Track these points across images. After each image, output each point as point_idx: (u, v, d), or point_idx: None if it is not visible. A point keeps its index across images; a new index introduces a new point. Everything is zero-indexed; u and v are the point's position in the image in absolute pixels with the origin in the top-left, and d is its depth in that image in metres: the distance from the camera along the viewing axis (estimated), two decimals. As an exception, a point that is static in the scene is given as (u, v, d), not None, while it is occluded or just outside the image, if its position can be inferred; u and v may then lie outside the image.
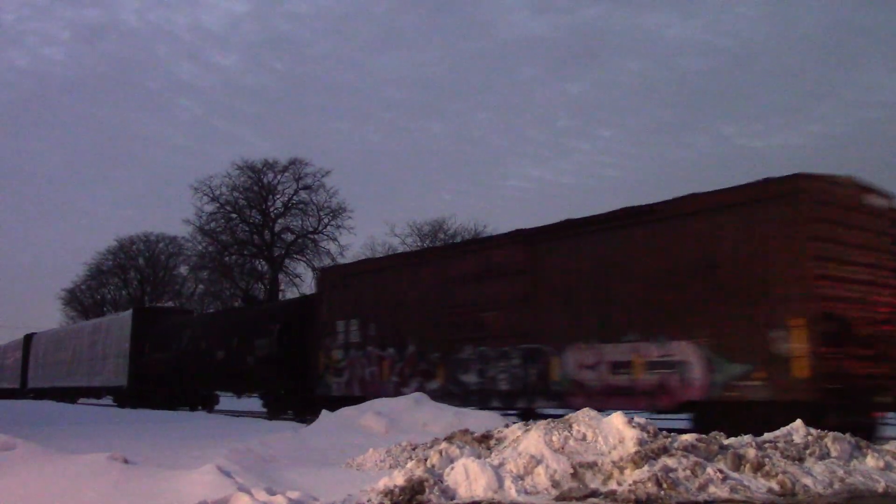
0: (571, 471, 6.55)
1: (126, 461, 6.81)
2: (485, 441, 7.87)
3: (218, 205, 47.39)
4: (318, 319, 18.53)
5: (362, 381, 16.80)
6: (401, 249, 47.59)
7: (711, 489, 6.37)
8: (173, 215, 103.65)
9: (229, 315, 27.47)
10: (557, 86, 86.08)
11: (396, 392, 14.67)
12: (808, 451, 7.35)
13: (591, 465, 6.68)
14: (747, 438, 7.58)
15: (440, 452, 7.23)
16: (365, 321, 17.08)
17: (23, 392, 41.40)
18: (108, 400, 32.77)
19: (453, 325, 15.03)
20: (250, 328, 21.94)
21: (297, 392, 19.55)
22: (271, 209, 48.57)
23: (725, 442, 7.42)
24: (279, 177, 47.98)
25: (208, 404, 25.88)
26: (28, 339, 43.18)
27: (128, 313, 31.20)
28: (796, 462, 7.07)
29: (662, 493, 6.16)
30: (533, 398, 13.43)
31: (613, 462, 6.70)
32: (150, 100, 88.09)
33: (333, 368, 17.71)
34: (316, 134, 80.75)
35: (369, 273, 18.00)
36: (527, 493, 6.29)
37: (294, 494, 5.82)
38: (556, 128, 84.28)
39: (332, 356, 17.85)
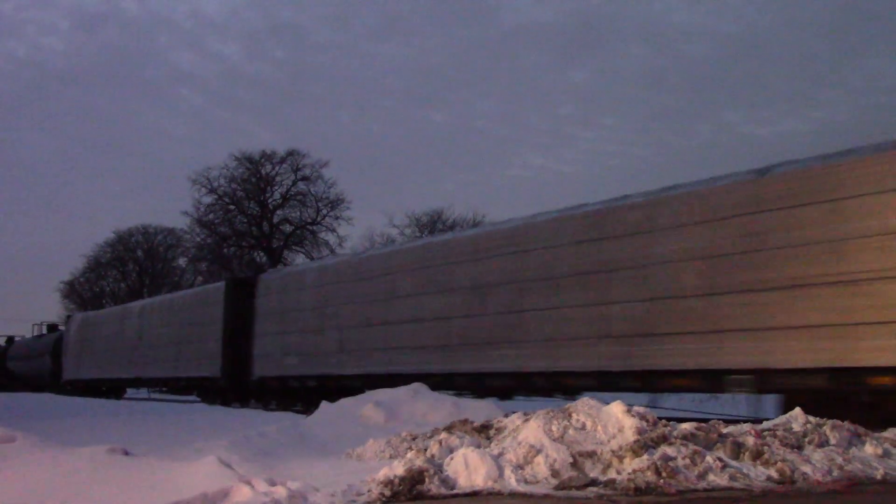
0: (571, 460, 6.57)
1: (126, 453, 6.84)
2: (484, 431, 7.89)
3: (216, 196, 47.33)
4: None
5: None
6: (399, 240, 47.41)
7: (711, 477, 6.39)
8: (172, 207, 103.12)
9: None
10: (560, 73, 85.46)
11: None
12: (806, 439, 7.37)
13: (591, 455, 6.70)
14: (746, 426, 7.60)
15: (440, 442, 7.26)
16: None
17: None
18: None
19: None
20: None
21: None
22: (269, 200, 48.52)
23: (724, 430, 7.44)
24: (277, 168, 47.90)
25: None
26: (244, 281, 22.62)
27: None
28: (795, 450, 7.09)
29: (662, 481, 6.18)
30: None
31: (613, 451, 6.72)
32: (149, 90, 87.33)
33: None
34: (316, 123, 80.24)
35: None
36: (526, 482, 6.31)
37: (295, 485, 5.84)
38: (558, 116, 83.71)
39: None
